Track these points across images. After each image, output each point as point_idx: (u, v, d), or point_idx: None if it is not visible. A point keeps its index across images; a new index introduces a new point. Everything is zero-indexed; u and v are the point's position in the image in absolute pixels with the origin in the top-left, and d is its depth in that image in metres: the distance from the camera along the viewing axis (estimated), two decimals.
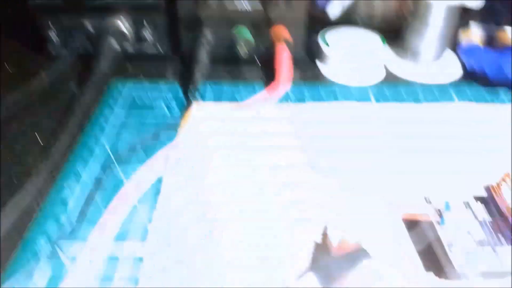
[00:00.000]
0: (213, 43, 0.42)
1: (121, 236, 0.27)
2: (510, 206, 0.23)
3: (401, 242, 0.25)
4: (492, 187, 0.25)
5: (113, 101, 0.39)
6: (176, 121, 0.36)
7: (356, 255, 0.21)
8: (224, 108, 0.36)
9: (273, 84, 0.38)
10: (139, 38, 0.43)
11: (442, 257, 0.24)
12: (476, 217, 0.24)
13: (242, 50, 0.42)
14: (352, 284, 0.20)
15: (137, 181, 0.30)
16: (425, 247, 0.25)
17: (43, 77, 0.40)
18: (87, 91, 0.37)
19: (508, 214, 0.23)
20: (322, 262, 0.20)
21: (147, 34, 0.43)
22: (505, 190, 0.24)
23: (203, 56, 0.40)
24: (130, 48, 0.44)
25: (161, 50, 0.44)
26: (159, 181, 0.30)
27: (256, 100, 0.37)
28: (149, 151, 0.33)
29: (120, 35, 0.42)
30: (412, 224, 0.27)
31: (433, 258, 0.25)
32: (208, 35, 0.42)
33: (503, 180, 0.24)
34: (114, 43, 0.42)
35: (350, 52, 0.42)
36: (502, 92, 0.40)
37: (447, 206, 0.24)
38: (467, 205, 0.25)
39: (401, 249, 0.25)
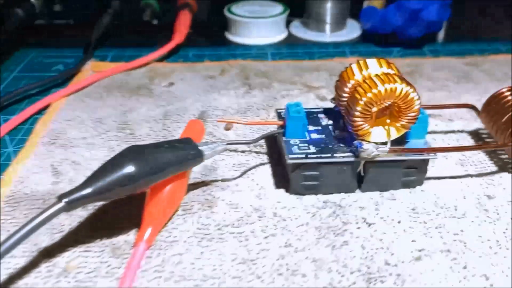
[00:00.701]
0: (120, 11, 0.43)
1: None
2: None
3: None
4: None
5: (14, 66, 0.40)
6: (68, 78, 0.36)
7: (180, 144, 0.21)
8: (117, 66, 0.37)
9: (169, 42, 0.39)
10: (50, 10, 0.44)
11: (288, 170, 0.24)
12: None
13: (148, 17, 0.43)
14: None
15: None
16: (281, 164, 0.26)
17: None
18: None
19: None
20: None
21: (58, 6, 0.44)
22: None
23: (106, 19, 0.41)
24: (41, 20, 0.45)
25: (71, 22, 0.45)
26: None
27: (148, 57, 0.37)
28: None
29: (28, 7, 0.43)
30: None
31: (284, 173, 0.25)
32: (116, 3, 0.43)
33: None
34: (20, 13, 0.43)
35: (252, 17, 0.43)
36: (396, 50, 0.41)
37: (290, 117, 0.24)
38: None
39: None
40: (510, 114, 0.25)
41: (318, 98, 0.33)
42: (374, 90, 0.22)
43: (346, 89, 0.24)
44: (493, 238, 0.22)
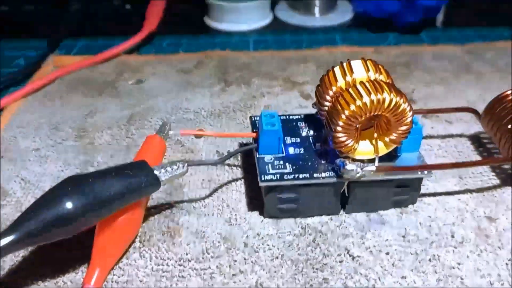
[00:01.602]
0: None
1: None
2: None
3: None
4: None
5: None
6: (28, 75, 0.33)
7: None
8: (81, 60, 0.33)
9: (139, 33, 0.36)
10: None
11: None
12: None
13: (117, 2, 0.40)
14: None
15: None
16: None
17: None
18: None
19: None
20: None
21: None
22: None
23: (74, 5, 0.38)
24: (5, 6, 0.41)
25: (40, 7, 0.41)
26: None
27: (116, 49, 0.34)
28: None
29: None
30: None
31: (259, 191, 0.22)
32: None
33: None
34: None
35: (234, 1, 0.39)
36: (391, 36, 0.37)
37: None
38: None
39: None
40: None
41: (302, 96, 0.30)
42: (358, 102, 0.18)
43: (328, 97, 0.20)
44: (494, 272, 0.19)
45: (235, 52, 0.35)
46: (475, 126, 0.27)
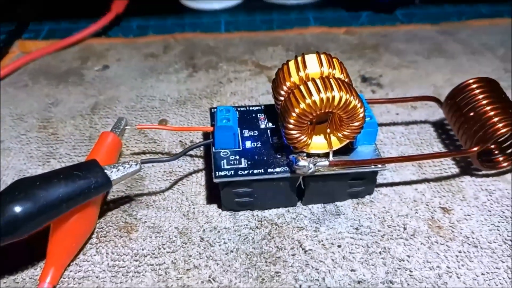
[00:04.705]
0: None
1: None
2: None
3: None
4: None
5: None
6: None
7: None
8: (47, 46, 0.33)
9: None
10: None
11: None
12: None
13: None
14: None
15: None
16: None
17: None
18: None
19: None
20: None
21: None
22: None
23: None
24: None
25: None
26: None
27: (82, 34, 0.33)
28: None
29: None
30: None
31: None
32: None
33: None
34: None
35: None
36: (364, 15, 0.37)
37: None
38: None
39: None
40: (473, 115, 0.22)
41: (270, 82, 0.30)
42: (308, 100, 0.18)
43: (282, 92, 0.20)
44: (443, 264, 0.19)
45: (203, 34, 0.35)
46: (440, 112, 0.27)
